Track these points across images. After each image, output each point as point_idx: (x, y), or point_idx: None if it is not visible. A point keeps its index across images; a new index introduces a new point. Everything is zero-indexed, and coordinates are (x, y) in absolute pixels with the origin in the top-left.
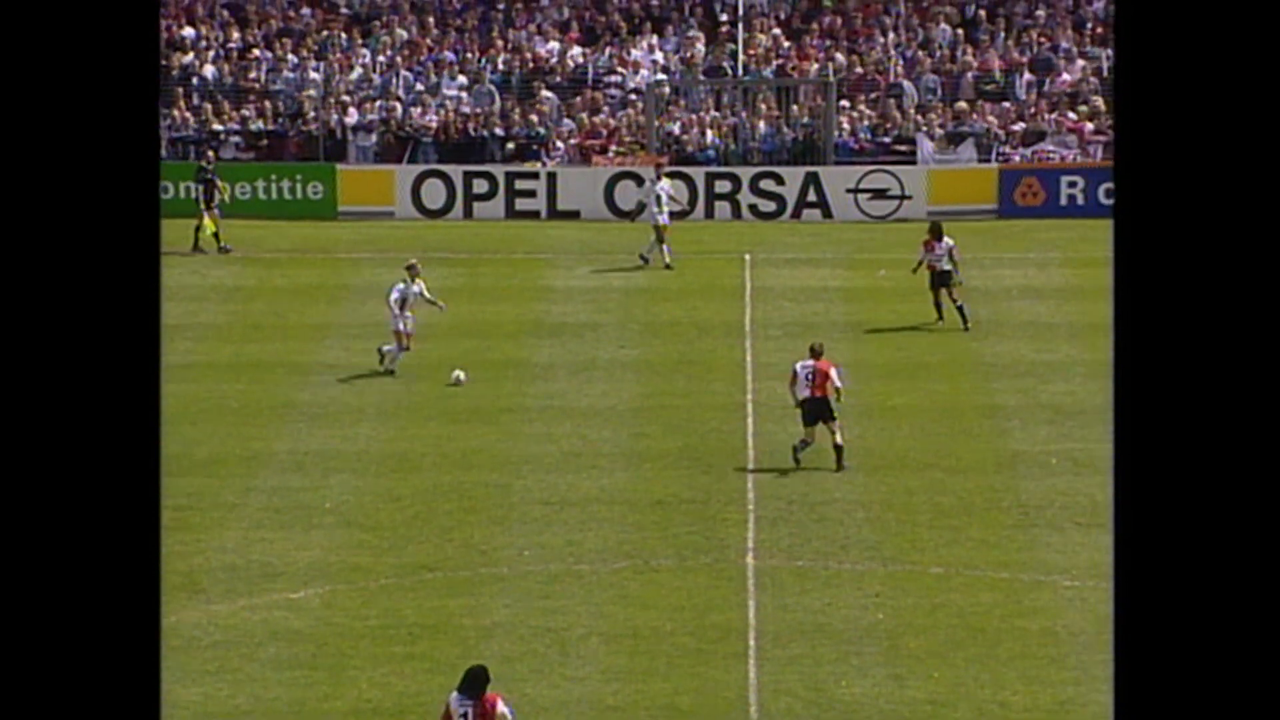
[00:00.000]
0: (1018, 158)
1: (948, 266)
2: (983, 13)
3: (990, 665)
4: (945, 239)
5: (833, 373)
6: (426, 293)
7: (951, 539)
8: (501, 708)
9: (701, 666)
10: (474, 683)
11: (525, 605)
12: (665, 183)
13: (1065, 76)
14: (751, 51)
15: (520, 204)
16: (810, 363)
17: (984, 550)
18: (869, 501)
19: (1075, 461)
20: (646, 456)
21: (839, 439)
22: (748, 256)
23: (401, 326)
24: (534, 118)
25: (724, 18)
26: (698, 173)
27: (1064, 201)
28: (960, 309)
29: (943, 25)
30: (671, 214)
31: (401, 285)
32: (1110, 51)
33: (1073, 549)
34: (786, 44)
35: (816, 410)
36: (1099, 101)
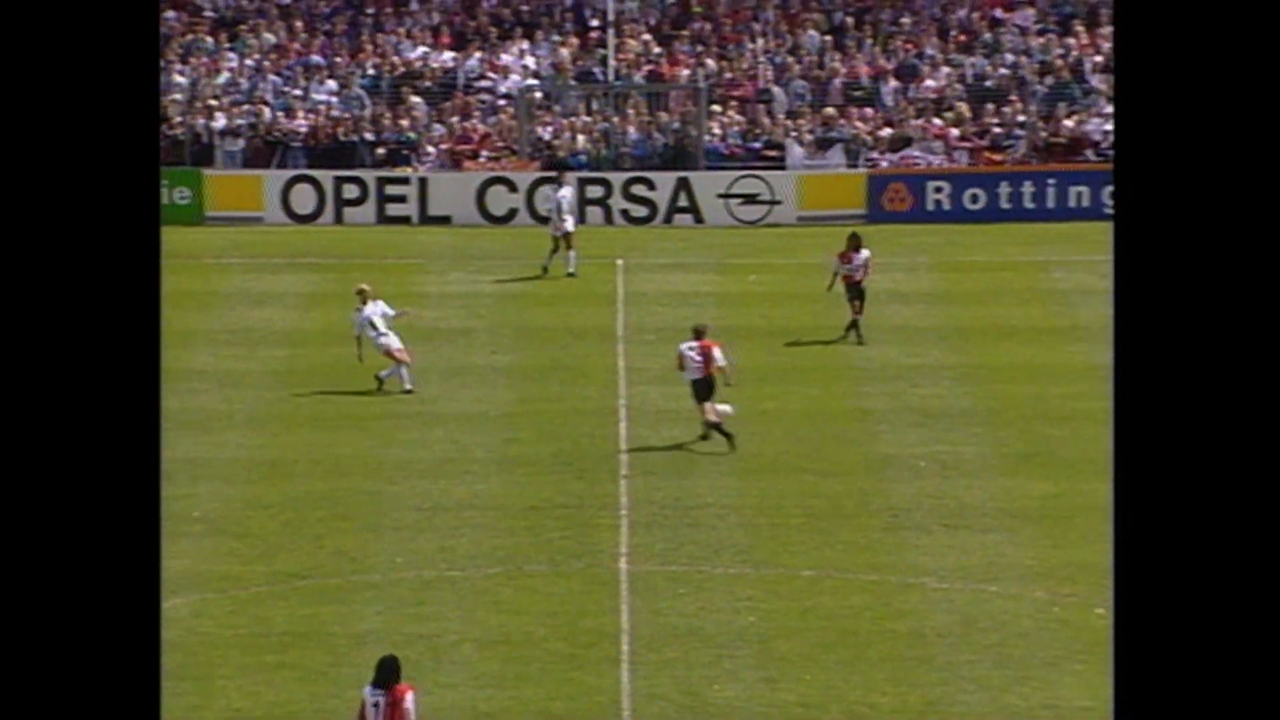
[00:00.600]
0: (885, 163)
1: (860, 277)
2: (850, 20)
3: (860, 667)
4: (864, 250)
5: (715, 352)
6: (390, 308)
7: (823, 542)
8: (408, 701)
9: (575, 672)
10: (385, 673)
11: (397, 612)
12: (567, 190)
13: (930, 83)
14: (622, 57)
15: (391, 209)
16: (695, 343)
17: (854, 553)
18: (741, 505)
19: (943, 464)
20: (519, 462)
21: (714, 417)
22: (620, 262)
23: (389, 344)
24: (404, 123)
25: (594, 23)
26: (569, 178)
27: (931, 207)
28: (856, 322)
29: (811, 32)
30: (576, 220)
31: (354, 314)
32: (974, 59)
33: (940, 551)
34: (657, 50)
35: (705, 390)
36: (964, 108)
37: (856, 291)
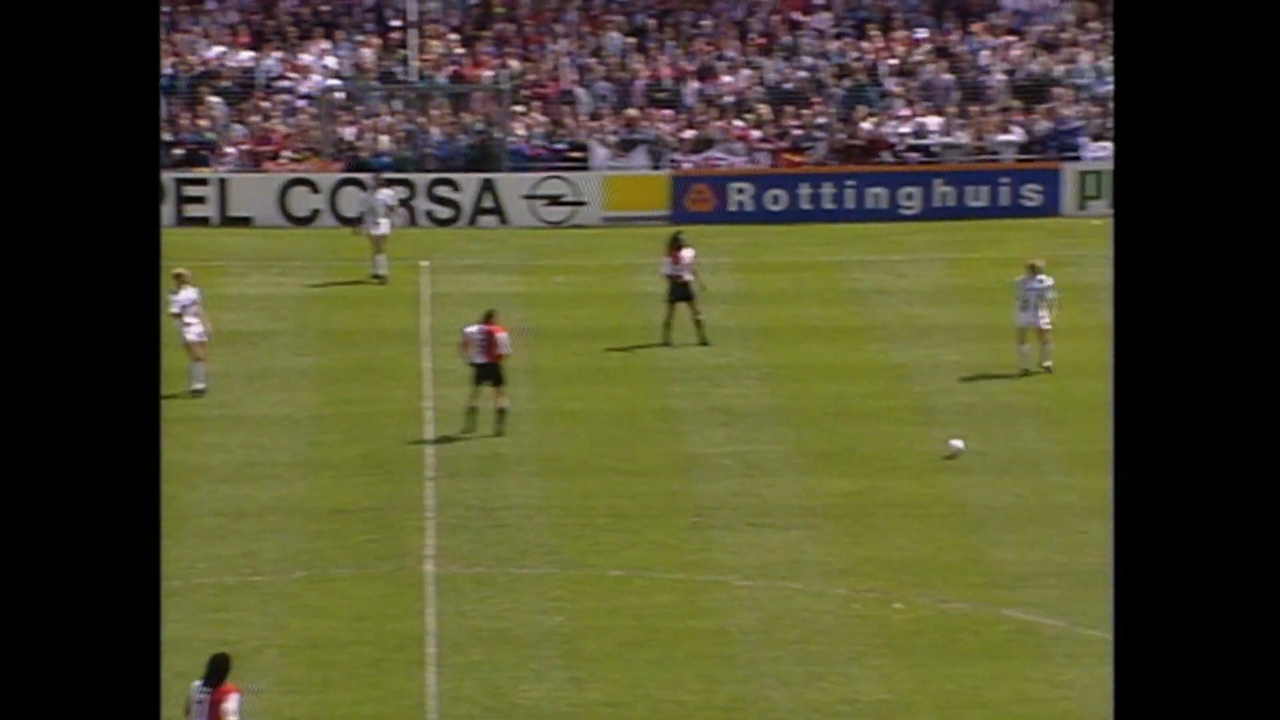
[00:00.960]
0: (688, 164)
1: (690, 277)
2: (652, 22)
3: (667, 665)
4: (687, 249)
5: (500, 337)
6: (200, 302)
7: (630, 542)
8: (230, 702)
9: (381, 675)
10: (214, 671)
11: (198, 619)
12: (385, 192)
13: (728, 79)
14: (425, 57)
15: (190, 210)
16: (483, 327)
17: (661, 552)
18: (548, 506)
19: (747, 463)
20: (325, 465)
21: (503, 403)
22: (425, 263)
23: (188, 338)
24: (203, 123)
25: (396, 23)
26: (384, 180)
27: (733, 207)
28: (699, 321)
29: (613, 34)
30: (391, 224)
31: (170, 296)
32: (773, 62)
33: (744, 549)
34: (460, 50)
35: (486, 374)
36: (764, 110)
37: (684, 292)
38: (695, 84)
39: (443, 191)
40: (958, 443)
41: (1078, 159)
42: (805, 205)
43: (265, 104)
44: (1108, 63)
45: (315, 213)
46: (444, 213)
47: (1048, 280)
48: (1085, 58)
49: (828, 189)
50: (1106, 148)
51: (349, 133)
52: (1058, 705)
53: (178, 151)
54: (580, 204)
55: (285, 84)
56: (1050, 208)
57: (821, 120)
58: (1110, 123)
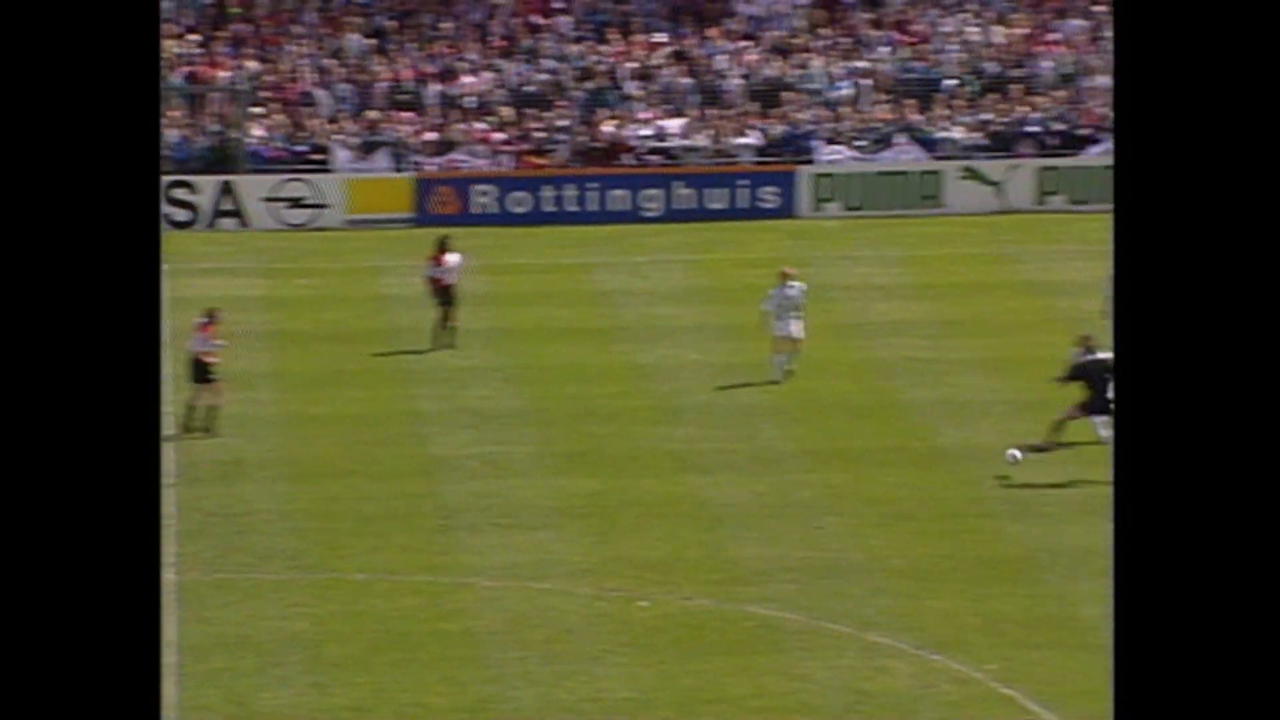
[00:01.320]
0: (431, 167)
1: (452, 281)
2: (392, 23)
3: (412, 668)
4: (452, 254)
5: (199, 338)
6: None
7: (375, 545)
8: None
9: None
10: None
11: None
12: None
13: (470, 80)
14: (160, 57)
15: None
16: (198, 322)
17: (406, 555)
18: (291, 511)
19: (494, 464)
20: None
21: (215, 401)
22: (164, 266)
23: None
24: None
25: None
26: None
27: (476, 210)
28: (452, 327)
29: (352, 35)
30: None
31: None
32: (515, 65)
33: (491, 550)
34: (196, 50)
35: (197, 372)
36: (507, 112)
37: (445, 296)
38: (437, 86)
39: (180, 194)
40: (1016, 452)
41: (811, 162)
42: (548, 207)
43: None
44: (839, 68)
45: None
46: (182, 215)
47: (799, 285)
48: (817, 63)
49: (570, 191)
50: (840, 151)
51: None
52: (796, 698)
53: None
54: (322, 206)
55: None
56: (786, 209)
57: (563, 123)
58: (841, 126)
